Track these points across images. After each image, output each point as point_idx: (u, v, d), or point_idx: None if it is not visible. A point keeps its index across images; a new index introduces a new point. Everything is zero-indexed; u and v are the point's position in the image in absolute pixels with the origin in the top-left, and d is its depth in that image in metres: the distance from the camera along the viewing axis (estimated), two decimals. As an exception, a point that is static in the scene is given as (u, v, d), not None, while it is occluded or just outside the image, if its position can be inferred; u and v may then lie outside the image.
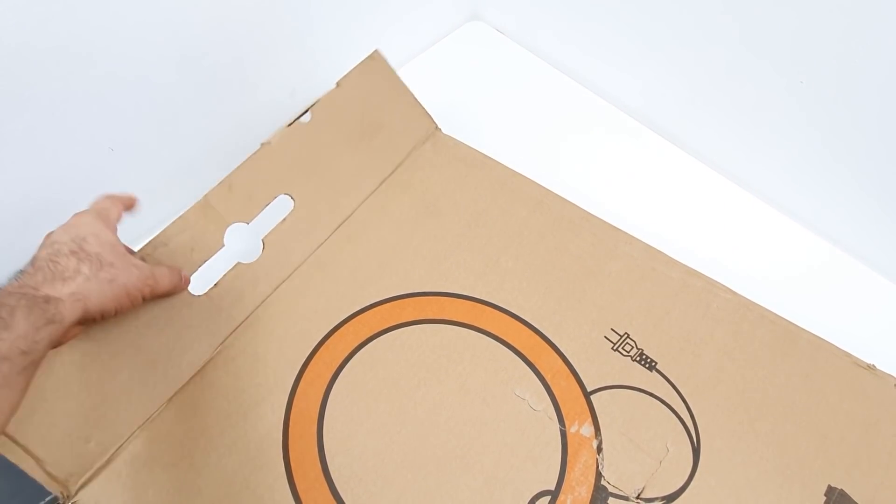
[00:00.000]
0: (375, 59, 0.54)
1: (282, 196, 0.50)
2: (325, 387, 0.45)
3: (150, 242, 0.45)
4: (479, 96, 0.66)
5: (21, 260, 0.50)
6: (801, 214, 0.55)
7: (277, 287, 0.50)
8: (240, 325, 0.48)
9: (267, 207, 0.49)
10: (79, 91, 0.47)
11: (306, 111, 0.50)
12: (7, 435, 0.38)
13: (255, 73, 0.57)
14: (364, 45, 0.63)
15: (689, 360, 0.46)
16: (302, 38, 0.59)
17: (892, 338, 0.50)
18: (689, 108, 0.59)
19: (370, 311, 0.49)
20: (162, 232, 0.45)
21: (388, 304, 0.49)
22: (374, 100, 0.54)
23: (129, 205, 0.43)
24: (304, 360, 0.46)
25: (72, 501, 0.40)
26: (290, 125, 0.50)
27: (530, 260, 0.51)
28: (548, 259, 0.51)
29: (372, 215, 0.54)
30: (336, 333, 0.47)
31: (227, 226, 0.47)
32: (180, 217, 0.46)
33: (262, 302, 0.49)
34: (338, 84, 0.52)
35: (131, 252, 0.43)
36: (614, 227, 0.53)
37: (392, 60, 0.65)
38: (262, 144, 0.49)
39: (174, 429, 0.43)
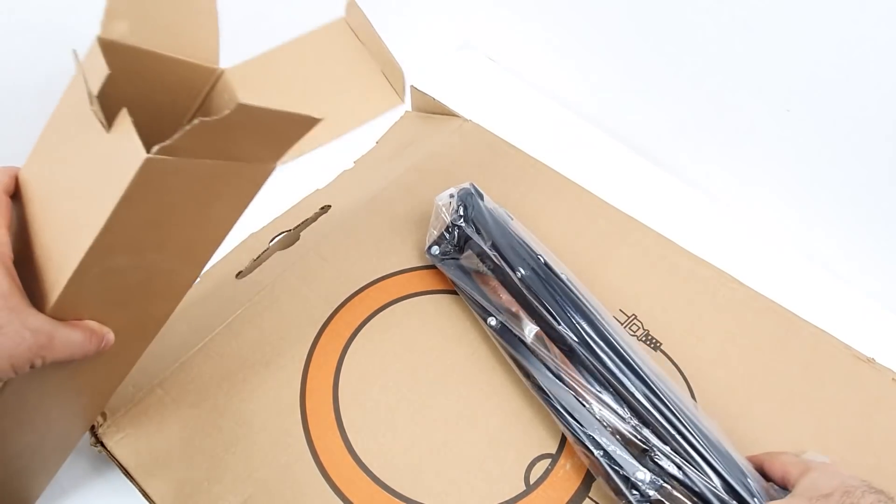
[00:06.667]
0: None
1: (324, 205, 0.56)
2: (343, 344, 0.48)
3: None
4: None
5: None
6: (795, 243, 0.57)
7: (306, 253, 0.52)
8: (267, 286, 0.50)
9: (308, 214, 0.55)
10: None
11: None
12: None
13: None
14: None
15: (692, 343, 0.48)
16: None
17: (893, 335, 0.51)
18: (678, 135, 0.61)
19: (391, 278, 0.51)
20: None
21: (407, 274, 0.51)
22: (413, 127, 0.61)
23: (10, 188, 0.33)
24: (325, 318, 0.49)
25: (102, 428, 0.43)
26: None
27: (545, 241, 0.53)
28: (562, 242, 0.53)
29: (399, 195, 0.56)
30: (357, 297, 0.50)
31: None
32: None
33: (291, 265, 0.52)
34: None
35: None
36: (629, 215, 0.55)
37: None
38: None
39: (201, 372, 0.46)
